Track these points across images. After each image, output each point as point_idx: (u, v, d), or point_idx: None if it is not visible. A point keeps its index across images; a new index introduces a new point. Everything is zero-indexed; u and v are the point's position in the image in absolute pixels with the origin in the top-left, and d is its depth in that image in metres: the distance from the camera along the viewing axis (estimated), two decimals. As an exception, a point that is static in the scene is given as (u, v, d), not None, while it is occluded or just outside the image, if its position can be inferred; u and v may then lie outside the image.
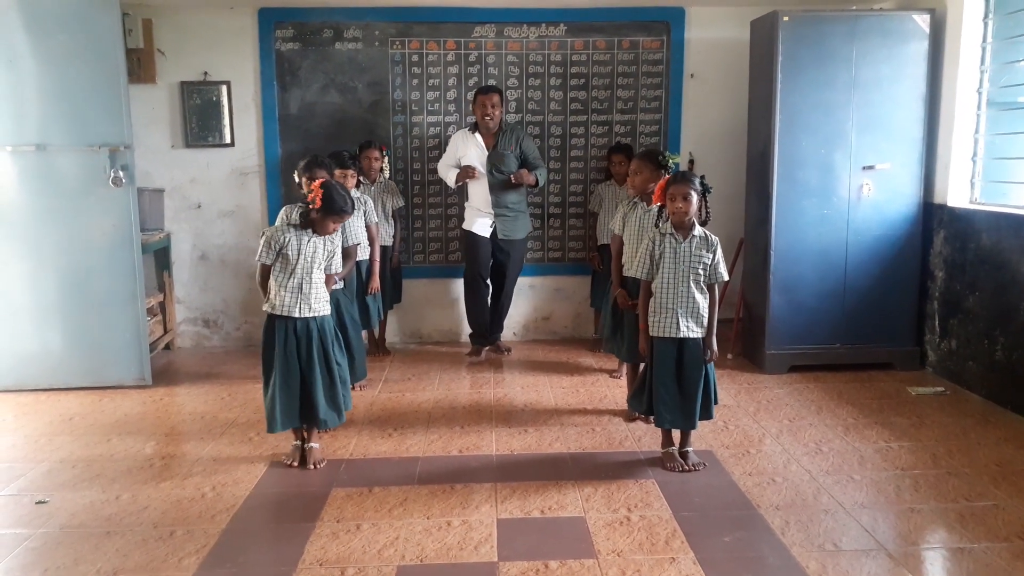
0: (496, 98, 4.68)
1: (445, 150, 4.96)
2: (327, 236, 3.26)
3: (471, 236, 4.85)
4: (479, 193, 4.81)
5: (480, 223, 4.82)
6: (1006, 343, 3.96)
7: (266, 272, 3.21)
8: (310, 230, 3.20)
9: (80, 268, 4.33)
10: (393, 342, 5.35)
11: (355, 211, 4.25)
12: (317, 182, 3.19)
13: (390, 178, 5.04)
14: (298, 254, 3.16)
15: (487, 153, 4.75)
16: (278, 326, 3.20)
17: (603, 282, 4.78)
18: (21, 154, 4.22)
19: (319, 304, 3.24)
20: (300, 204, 3.33)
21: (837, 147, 4.45)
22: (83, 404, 4.17)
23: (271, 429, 3.23)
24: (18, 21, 4.13)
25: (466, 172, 4.74)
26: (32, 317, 4.35)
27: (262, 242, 3.17)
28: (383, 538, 2.71)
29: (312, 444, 3.36)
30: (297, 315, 3.18)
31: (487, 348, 5.04)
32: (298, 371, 3.21)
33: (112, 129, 4.24)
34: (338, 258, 3.40)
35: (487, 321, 4.99)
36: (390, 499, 3.01)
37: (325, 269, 3.29)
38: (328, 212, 3.15)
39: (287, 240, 3.16)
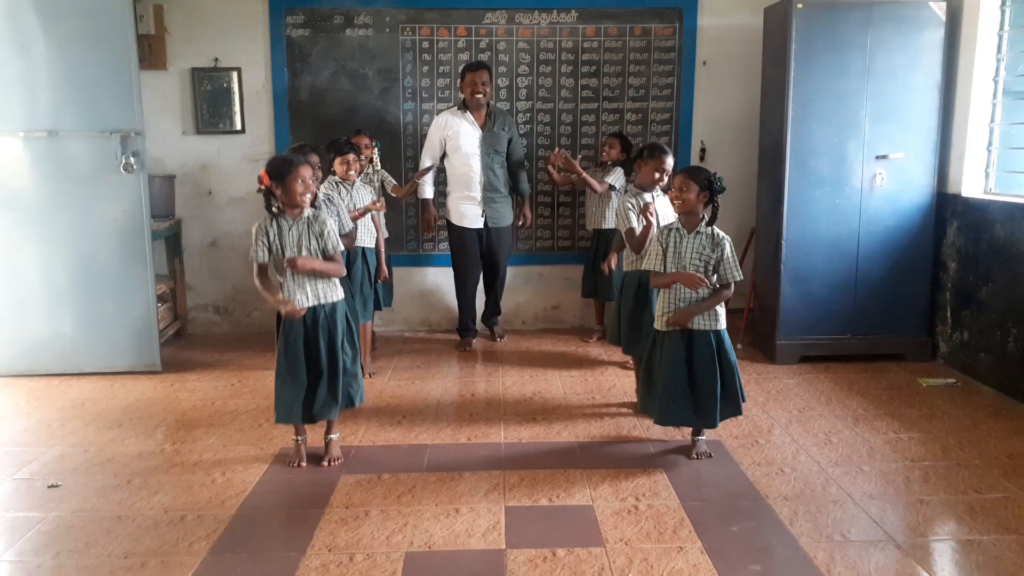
0: (486, 75, 4.60)
1: (425, 140, 4.88)
2: (311, 218, 3.09)
3: (461, 231, 4.81)
4: (469, 178, 4.72)
5: (470, 214, 4.77)
6: (1019, 335, 3.93)
7: (262, 271, 3.08)
8: (288, 218, 3.07)
9: (91, 254, 4.35)
10: (402, 330, 5.37)
11: (356, 196, 4.18)
12: (262, 172, 3.05)
13: (380, 168, 4.86)
14: (283, 244, 3.06)
15: (480, 133, 4.69)
16: (285, 319, 3.11)
17: (598, 271, 4.81)
18: (33, 140, 4.24)
19: (318, 291, 3.11)
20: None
21: (850, 136, 4.41)
22: (95, 389, 4.20)
23: (276, 420, 3.19)
24: (30, 7, 4.14)
25: (427, 216, 4.86)
26: (44, 303, 4.38)
27: (251, 242, 3.07)
28: (391, 525, 2.72)
29: (331, 436, 3.29)
30: (298, 306, 3.08)
31: (476, 338, 5.07)
32: (304, 364, 3.12)
33: (123, 115, 4.24)
34: (334, 235, 3.14)
35: (475, 314, 5.05)
36: (399, 486, 3.02)
37: (322, 251, 3.11)
38: (281, 176, 3.00)
39: (272, 233, 3.06)
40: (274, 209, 3.08)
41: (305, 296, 3.09)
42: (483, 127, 4.70)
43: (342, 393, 3.19)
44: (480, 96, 4.59)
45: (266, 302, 3.14)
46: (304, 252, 3.07)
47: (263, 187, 3.04)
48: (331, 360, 3.16)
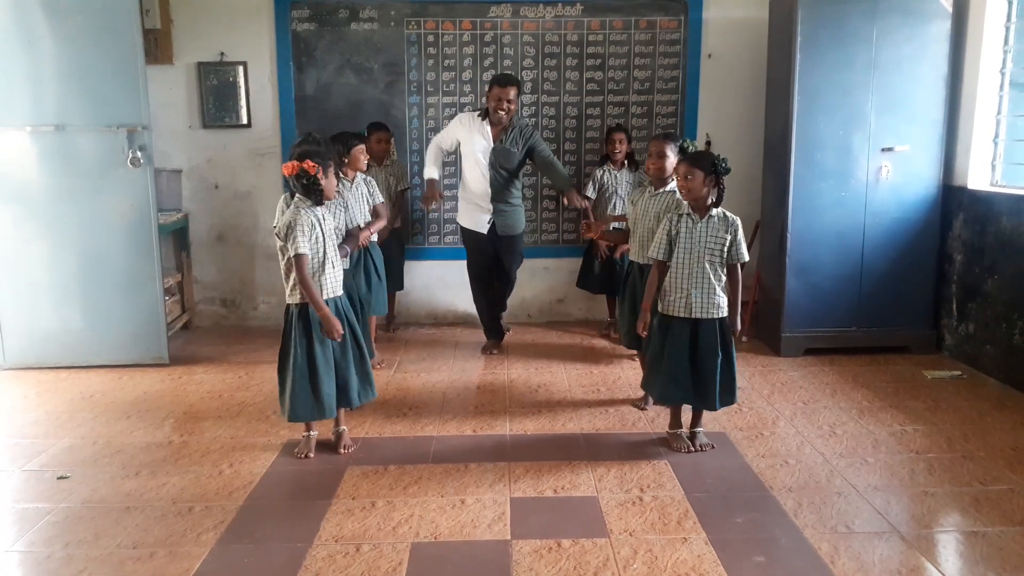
0: (513, 92, 4.36)
1: (444, 126, 4.72)
2: (332, 211, 3.24)
3: (469, 233, 4.68)
4: (477, 187, 4.55)
5: (477, 219, 4.60)
6: (1025, 327, 3.93)
7: (304, 264, 3.00)
8: (318, 207, 3.10)
9: (99, 248, 4.37)
10: (408, 323, 5.38)
11: (356, 193, 4.24)
12: (289, 165, 3.01)
13: (397, 159, 4.96)
14: (323, 233, 3.09)
15: (492, 146, 4.47)
16: (312, 313, 3.07)
17: (598, 265, 4.92)
18: (40, 134, 4.26)
19: (338, 283, 3.19)
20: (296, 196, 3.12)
21: (856, 129, 4.40)
22: (103, 382, 4.23)
23: (322, 416, 3.15)
24: (37, 2, 4.15)
25: (431, 194, 4.53)
26: (52, 296, 4.41)
27: (297, 232, 2.97)
28: (398, 515, 2.74)
29: (342, 428, 3.33)
30: (329, 295, 3.11)
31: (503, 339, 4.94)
32: (332, 355, 3.15)
33: (130, 109, 4.26)
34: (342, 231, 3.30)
35: (496, 315, 4.90)
36: (405, 477, 3.04)
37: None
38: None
39: (315, 222, 3.06)
40: (319, 191, 3.06)
41: (338, 285, 3.20)
42: (495, 140, 4.48)
43: (372, 377, 3.31)
44: (503, 113, 4.38)
45: (317, 305, 3.04)
46: (330, 241, 3.15)
47: (312, 175, 3.01)
48: (356, 346, 3.25)
